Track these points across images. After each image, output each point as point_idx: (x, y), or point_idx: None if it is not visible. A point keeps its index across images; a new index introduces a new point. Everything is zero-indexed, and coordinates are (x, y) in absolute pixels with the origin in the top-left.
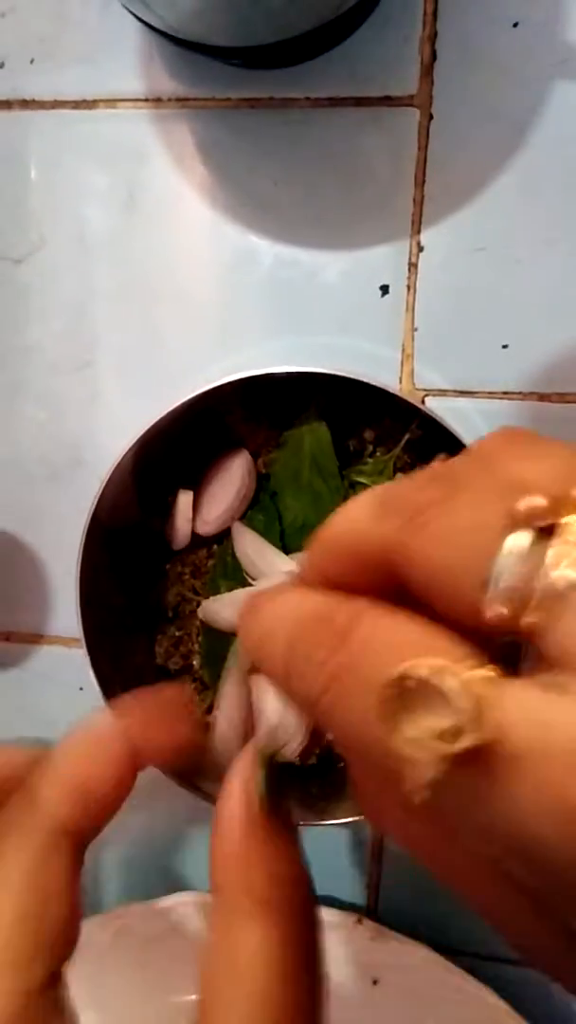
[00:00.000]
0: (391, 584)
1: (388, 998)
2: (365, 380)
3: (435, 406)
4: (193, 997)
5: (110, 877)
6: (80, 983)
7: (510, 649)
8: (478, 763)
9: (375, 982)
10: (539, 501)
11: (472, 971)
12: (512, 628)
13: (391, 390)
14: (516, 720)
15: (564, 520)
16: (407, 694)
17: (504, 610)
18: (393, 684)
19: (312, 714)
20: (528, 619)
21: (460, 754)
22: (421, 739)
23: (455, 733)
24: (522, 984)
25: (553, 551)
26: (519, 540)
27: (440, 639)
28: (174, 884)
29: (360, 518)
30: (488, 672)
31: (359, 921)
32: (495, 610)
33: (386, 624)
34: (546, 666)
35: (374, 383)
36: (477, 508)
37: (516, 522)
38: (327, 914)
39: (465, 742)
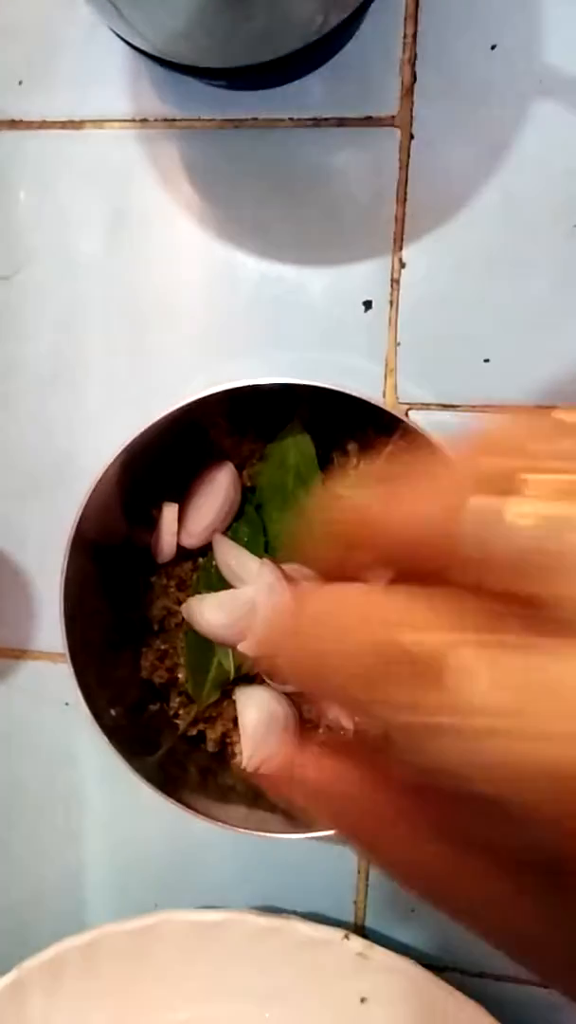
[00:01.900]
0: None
1: (376, 1017)
2: (347, 391)
3: (418, 420)
4: (175, 1015)
5: (94, 896)
6: (62, 1004)
7: None
8: None
9: (363, 1000)
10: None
11: (461, 988)
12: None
13: (373, 401)
14: None
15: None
16: None
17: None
18: None
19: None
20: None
21: None
22: None
23: None
24: (511, 1002)
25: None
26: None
27: None
28: (158, 901)
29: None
30: None
31: (346, 937)
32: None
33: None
34: None
35: (356, 394)
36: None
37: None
38: (313, 930)
39: None
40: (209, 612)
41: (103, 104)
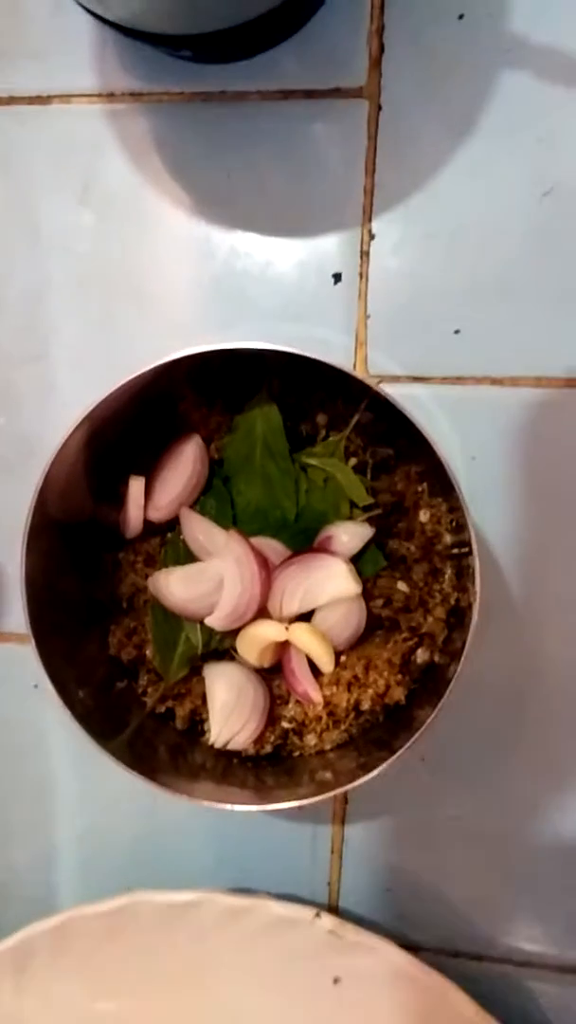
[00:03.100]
0: None
1: (349, 996)
2: (315, 357)
3: (390, 392)
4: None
5: (65, 880)
6: (29, 985)
7: None
8: None
9: (336, 980)
10: None
11: (436, 967)
12: None
13: (341, 367)
14: None
15: None
16: None
17: None
18: None
19: None
20: None
21: None
22: None
23: None
24: (487, 980)
25: None
26: None
27: None
28: (130, 884)
29: None
30: None
31: (317, 916)
32: None
33: None
34: None
35: (324, 359)
36: None
37: None
38: (283, 909)
39: None
40: (176, 586)
41: (70, 79)
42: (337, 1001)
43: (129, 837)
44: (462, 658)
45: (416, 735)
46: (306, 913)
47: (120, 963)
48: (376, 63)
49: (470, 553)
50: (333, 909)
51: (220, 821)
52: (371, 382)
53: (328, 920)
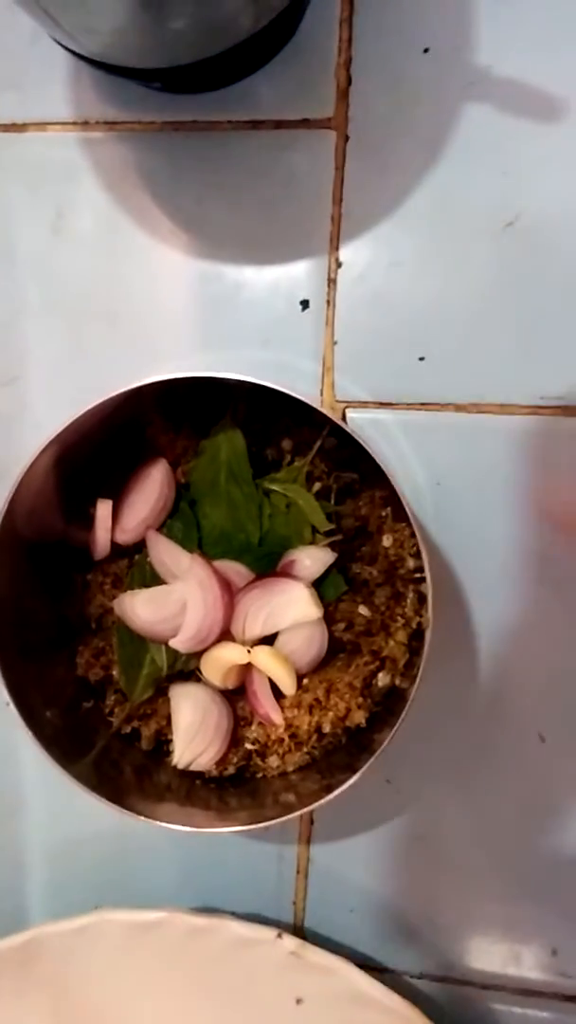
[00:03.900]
0: None
1: (312, 1017)
2: (276, 387)
3: (356, 417)
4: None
5: (34, 898)
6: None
7: None
8: None
9: (299, 1001)
10: None
11: (400, 989)
12: None
13: (301, 397)
14: None
15: None
16: None
17: None
18: None
19: None
20: None
21: None
22: None
23: None
24: (449, 1003)
25: None
26: None
27: None
28: (99, 901)
29: None
30: None
31: (279, 936)
32: None
33: None
34: None
35: (285, 391)
36: None
37: None
38: (246, 929)
39: None
40: (141, 608)
41: (46, 107)
42: (300, 1021)
43: (98, 855)
44: (416, 681)
45: (373, 757)
46: (268, 934)
47: (86, 980)
48: (344, 95)
49: (424, 580)
50: (299, 929)
51: (188, 840)
52: (338, 409)
53: (290, 941)
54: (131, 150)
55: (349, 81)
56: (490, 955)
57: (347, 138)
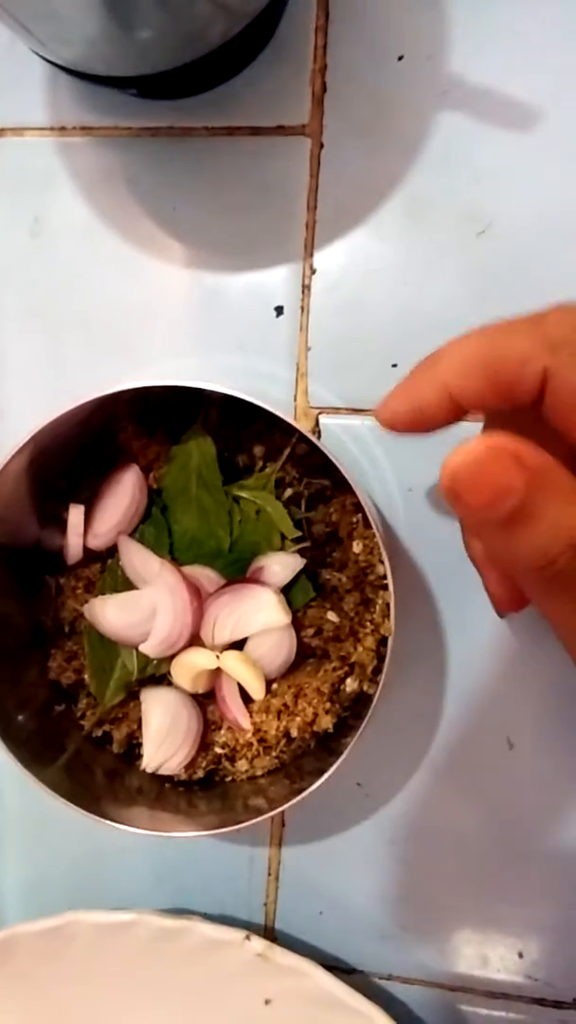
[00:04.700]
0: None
1: (280, 1018)
2: (244, 397)
3: (329, 423)
4: (83, 1015)
5: (7, 900)
6: None
7: None
8: None
9: (267, 1002)
10: None
11: (369, 991)
12: None
13: (269, 408)
14: None
15: None
16: None
17: None
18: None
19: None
20: None
21: None
22: None
23: None
24: (418, 1005)
25: None
26: None
27: None
28: (73, 902)
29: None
30: None
31: (247, 938)
32: None
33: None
34: None
35: (255, 401)
36: None
37: None
38: (214, 931)
39: None
40: (112, 613)
41: (22, 113)
42: (268, 1022)
43: (72, 856)
44: (379, 688)
45: (339, 760)
46: (236, 936)
47: (58, 980)
48: (319, 102)
49: (386, 588)
50: (269, 930)
51: (160, 842)
52: (312, 415)
53: (258, 943)
54: (108, 156)
55: (324, 88)
56: (457, 957)
57: (322, 145)
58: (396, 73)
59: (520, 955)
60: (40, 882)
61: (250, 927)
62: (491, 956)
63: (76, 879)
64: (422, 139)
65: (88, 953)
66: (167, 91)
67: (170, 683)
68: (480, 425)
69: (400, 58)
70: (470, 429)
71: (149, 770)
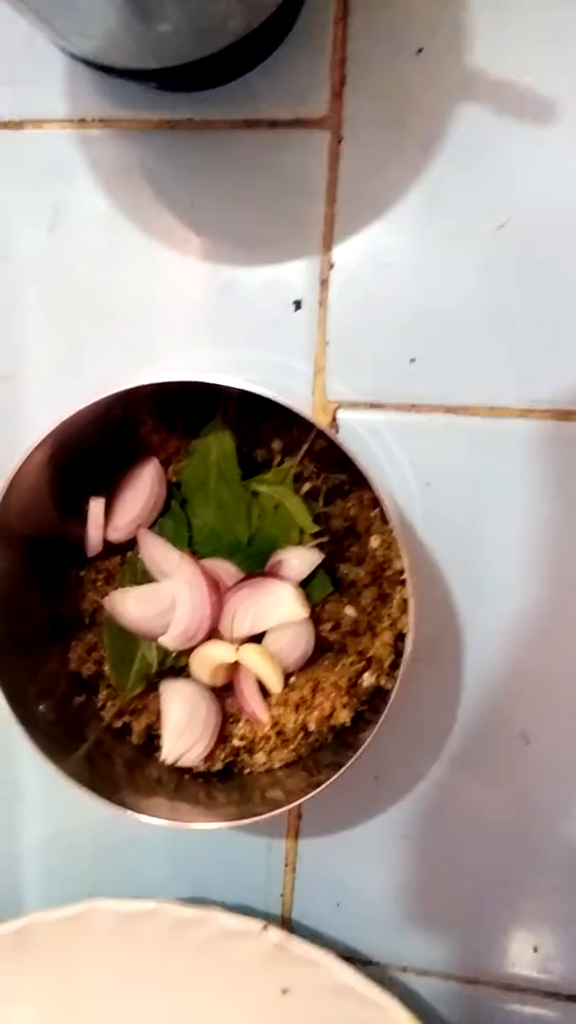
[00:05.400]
0: None
1: (297, 1008)
2: (265, 394)
3: (347, 418)
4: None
5: (28, 887)
6: None
7: None
8: None
9: (284, 991)
10: None
11: (385, 982)
12: None
13: (287, 404)
14: None
15: None
16: None
17: None
18: None
19: None
20: None
21: None
22: None
23: None
24: (434, 996)
25: None
26: None
27: None
28: (93, 890)
29: None
30: None
31: (265, 928)
32: None
33: None
34: None
35: (273, 397)
36: None
37: None
38: (232, 921)
39: None
40: (132, 605)
41: (42, 105)
42: (285, 1012)
43: (92, 844)
44: (397, 683)
45: (356, 754)
46: (254, 926)
47: (77, 967)
48: (338, 94)
49: (403, 583)
50: (286, 921)
51: (179, 832)
52: (330, 410)
53: (275, 933)
54: (127, 148)
55: (343, 81)
56: (473, 950)
57: (341, 138)
58: (416, 66)
59: (535, 949)
60: (60, 871)
61: (267, 917)
62: (507, 949)
63: (95, 868)
64: (442, 132)
65: (107, 941)
66: (186, 84)
67: (189, 676)
68: (500, 420)
69: (420, 51)
70: (487, 425)
71: (168, 762)
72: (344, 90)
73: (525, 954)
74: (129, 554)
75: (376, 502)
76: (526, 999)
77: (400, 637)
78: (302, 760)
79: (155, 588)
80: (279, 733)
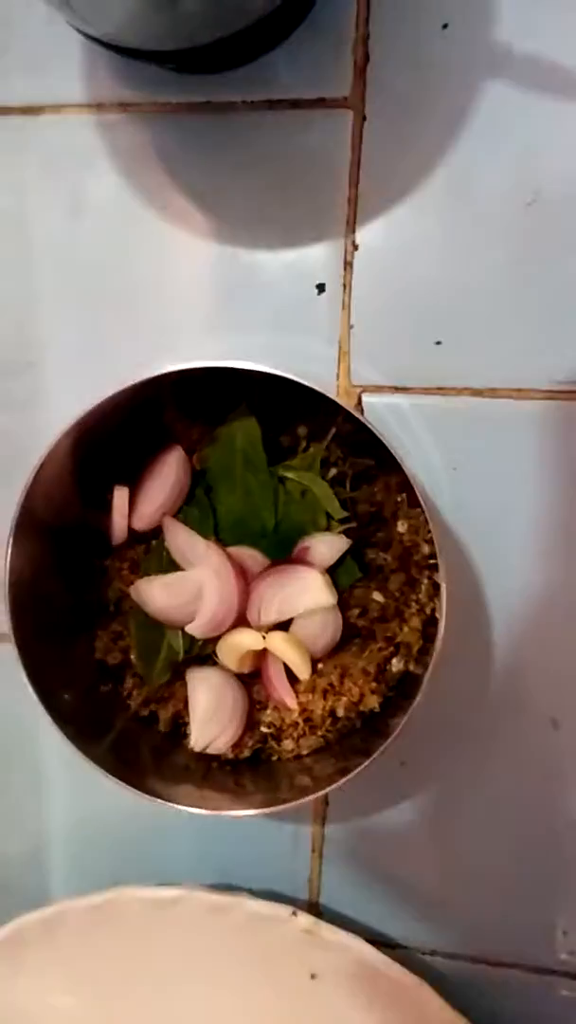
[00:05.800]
0: None
1: (326, 993)
2: (289, 376)
3: (372, 402)
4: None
5: (55, 874)
6: (20, 975)
7: None
8: None
9: (313, 976)
10: None
11: (412, 965)
12: None
13: (314, 386)
14: None
15: None
16: None
17: None
18: None
19: None
20: None
21: None
22: None
23: None
24: (461, 981)
25: None
26: None
27: None
28: (119, 878)
29: None
30: None
31: (294, 914)
32: None
33: None
34: None
35: (297, 379)
36: None
37: None
38: (261, 907)
39: None
40: (158, 594)
41: (61, 90)
42: (314, 996)
43: (118, 832)
44: (429, 668)
45: (387, 742)
46: (283, 911)
47: (106, 955)
48: (361, 73)
49: (436, 568)
50: (314, 906)
51: (204, 819)
52: (354, 394)
53: (304, 919)
54: (146, 132)
55: (367, 59)
56: (501, 934)
57: (364, 117)
58: (441, 42)
59: (564, 933)
60: (86, 858)
61: (295, 903)
62: (535, 933)
63: (121, 855)
64: (467, 110)
65: (135, 928)
66: (206, 65)
67: (216, 663)
68: (527, 403)
69: (445, 26)
70: (514, 407)
71: (196, 749)
72: (367, 68)
73: (553, 938)
74: (154, 542)
75: (402, 487)
76: (554, 982)
77: (428, 622)
78: (330, 746)
79: (181, 576)
80: (307, 720)
